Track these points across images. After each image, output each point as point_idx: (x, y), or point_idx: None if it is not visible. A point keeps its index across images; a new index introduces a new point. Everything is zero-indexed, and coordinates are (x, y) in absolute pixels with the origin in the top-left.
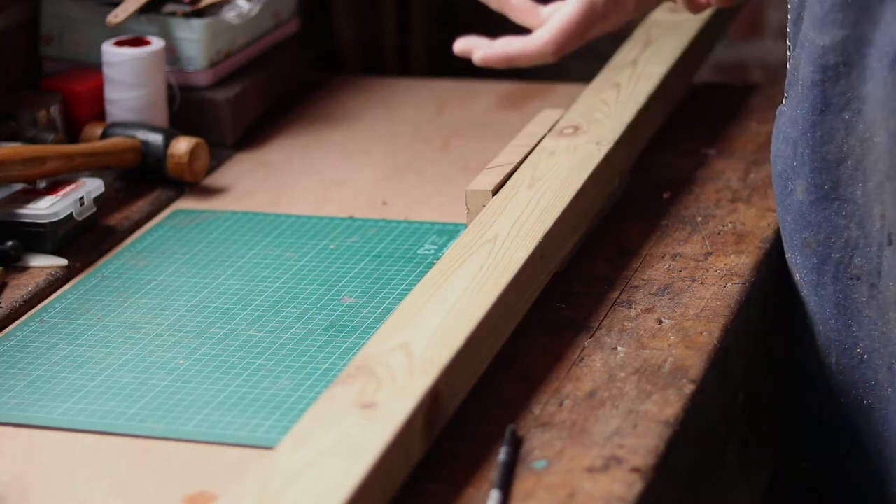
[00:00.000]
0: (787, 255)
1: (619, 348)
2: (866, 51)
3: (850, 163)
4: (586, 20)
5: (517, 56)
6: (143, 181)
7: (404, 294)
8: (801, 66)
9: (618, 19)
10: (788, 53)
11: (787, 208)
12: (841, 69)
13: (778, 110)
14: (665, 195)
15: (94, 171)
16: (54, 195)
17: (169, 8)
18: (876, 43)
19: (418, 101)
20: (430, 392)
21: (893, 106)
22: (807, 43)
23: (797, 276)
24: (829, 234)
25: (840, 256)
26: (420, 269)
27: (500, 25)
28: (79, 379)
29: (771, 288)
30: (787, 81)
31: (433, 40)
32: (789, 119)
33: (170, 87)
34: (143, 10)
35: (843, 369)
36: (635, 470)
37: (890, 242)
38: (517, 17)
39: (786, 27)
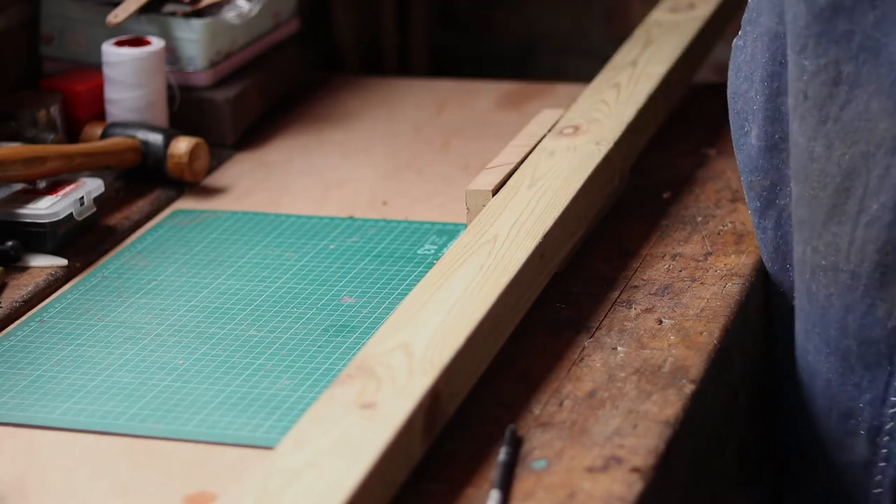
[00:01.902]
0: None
1: (619, 348)
2: None
3: None
4: None
5: None
6: (143, 181)
7: (404, 294)
8: (764, 14)
9: None
10: None
11: (741, 148)
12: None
13: (734, 44)
14: (665, 195)
15: (94, 171)
16: (54, 195)
17: (169, 8)
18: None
19: (418, 101)
20: (430, 392)
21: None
22: None
23: (750, 212)
24: (775, 180)
25: (784, 204)
26: (420, 269)
27: (499, 26)
28: (79, 379)
29: (771, 288)
30: (745, 16)
31: (433, 40)
32: (752, 59)
33: (170, 87)
34: (143, 10)
35: (780, 314)
36: (635, 470)
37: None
38: None
39: None
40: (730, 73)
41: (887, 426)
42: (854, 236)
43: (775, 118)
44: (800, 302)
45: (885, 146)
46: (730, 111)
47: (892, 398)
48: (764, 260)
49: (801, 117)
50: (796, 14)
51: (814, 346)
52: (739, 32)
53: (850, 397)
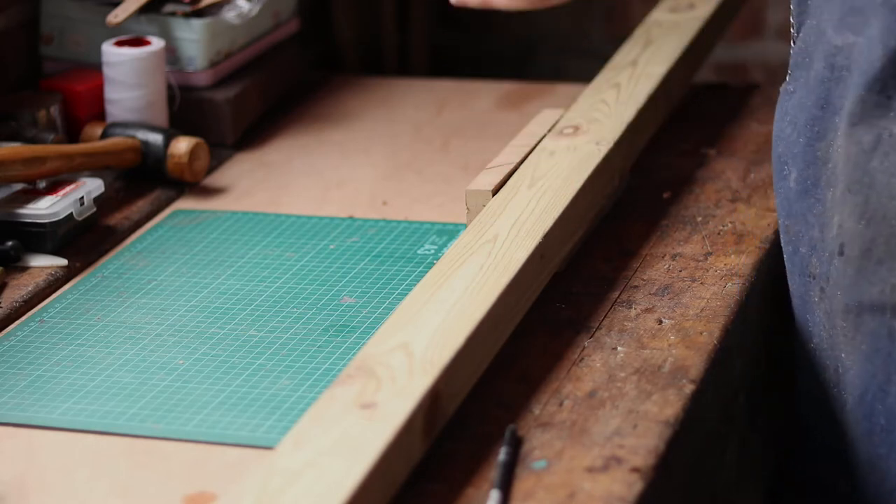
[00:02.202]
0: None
1: (619, 348)
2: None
3: (830, 165)
4: None
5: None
6: (143, 181)
7: (404, 294)
8: (815, 59)
9: None
10: (793, 32)
11: (779, 192)
12: (844, 73)
13: (782, 88)
14: (665, 195)
15: (94, 171)
16: (54, 195)
17: (169, 8)
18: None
19: (418, 101)
20: (430, 392)
21: (856, 121)
22: (823, 38)
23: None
24: (801, 228)
25: (805, 252)
26: (420, 269)
27: (499, 26)
28: (79, 379)
29: (771, 288)
30: (792, 61)
31: (433, 40)
32: (798, 105)
33: (170, 87)
34: (143, 10)
35: (804, 356)
36: (635, 470)
37: (841, 253)
38: None
39: (785, 27)
40: (776, 116)
41: None
42: None
43: (811, 163)
44: (876, 345)
45: None
46: (772, 154)
47: None
48: (795, 304)
49: (885, 154)
50: (870, 56)
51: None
52: (788, 78)
53: None
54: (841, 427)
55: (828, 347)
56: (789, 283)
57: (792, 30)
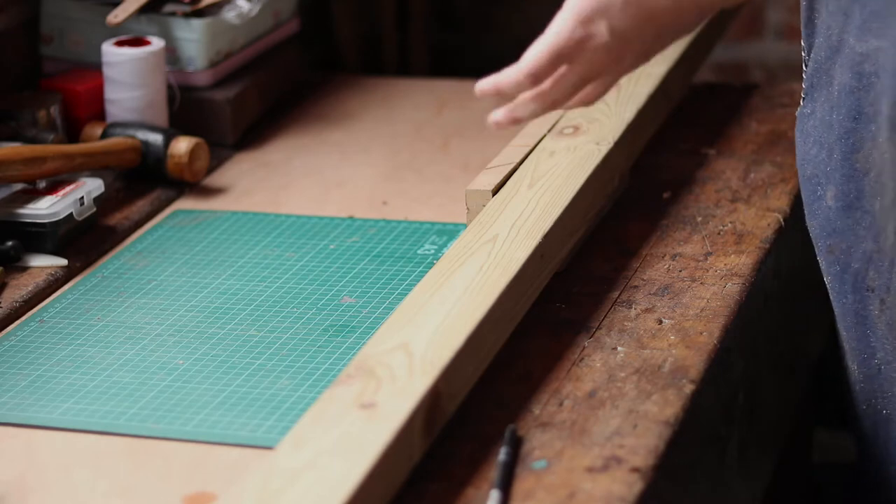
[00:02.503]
0: (818, 258)
1: (619, 348)
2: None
3: (872, 174)
4: (554, 44)
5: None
6: (143, 181)
7: (404, 294)
8: (837, 73)
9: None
10: (804, 55)
11: (815, 214)
12: (874, 79)
13: (799, 112)
14: (665, 195)
15: (94, 171)
16: (54, 195)
17: (169, 8)
18: None
19: (418, 101)
20: (430, 392)
21: None
22: (843, 49)
23: (826, 280)
24: (851, 243)
25: (858, 267)
26: (420, 269)
27: (499, 26)
28: (79, 379)
29: (771, 288)
30: (807, 83)
31: (433, 40)
32: (822, 123)
33: (170, 87)
34: (143, 10)
35: (863, 377)
36: (635, 470)
37: None
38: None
39: (785, 27)
40: (797, 141)
41: None
42: None
43: (851, 176)
44: None
45: None
46: (800, 178)
47: None
48: (842, 327)
49: None
50: None
51: None
52: (803, 102)
53: None
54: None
55: (893, 359)
56: (837, 305)
57: (803, 53)
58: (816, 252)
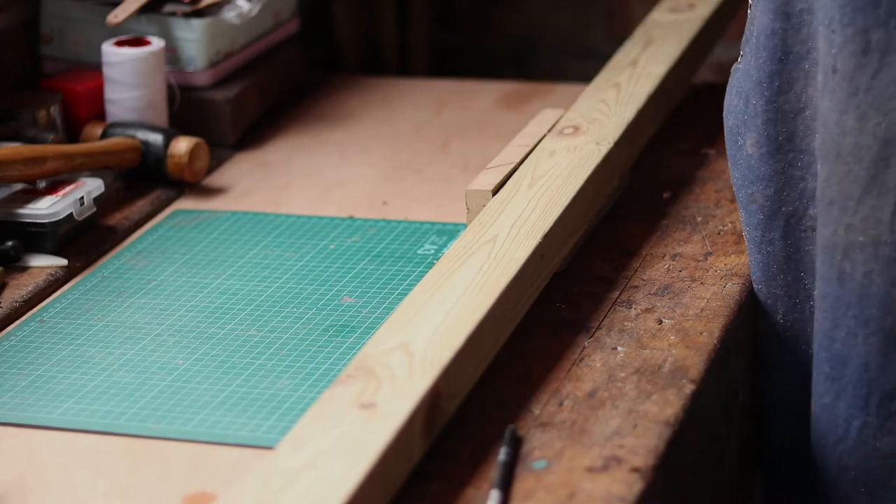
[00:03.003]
0: (740, 211)
1: (619, 348)
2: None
3: (807, 113)
4: None
5: None
6: (143, 181)
7: (404, 294)
8: (758, 17)
9: None
10: (749, 11)
11: (737, 164)
12: (805, 17)
13: (733, 68)
14: (665, 195)
15: (94, 171)
16: (54, 195)
17: (169, 8)
18: None
19: (418, 101)
20: (430, 392)
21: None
22: None
23: (746, 233)
24: (780, 186)
25: (793, 209)
26: (420, 269)
27: (499, 26)
28: (79, 379)
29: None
30: (743, 39)
31: (433, 40)
32: (743, 73)
33: (170, 87)
34: (143, 10)
35: (790, 325)
36: (635, 470)
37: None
38: None
39: None
40: (726, 95)
41: None
42: None
43: (777, 119)
44: (825, 289)
45: None
46: (725, 133)
47: None
48: (762, 279)
49: (832, 92)
50: None
51: (846, 331)
52: (738, 59)
53: (894, 377)
54: (798, 379)
55: (832, 291)
56: (759, 255)
57: (749, 9)
58: (738, 206)
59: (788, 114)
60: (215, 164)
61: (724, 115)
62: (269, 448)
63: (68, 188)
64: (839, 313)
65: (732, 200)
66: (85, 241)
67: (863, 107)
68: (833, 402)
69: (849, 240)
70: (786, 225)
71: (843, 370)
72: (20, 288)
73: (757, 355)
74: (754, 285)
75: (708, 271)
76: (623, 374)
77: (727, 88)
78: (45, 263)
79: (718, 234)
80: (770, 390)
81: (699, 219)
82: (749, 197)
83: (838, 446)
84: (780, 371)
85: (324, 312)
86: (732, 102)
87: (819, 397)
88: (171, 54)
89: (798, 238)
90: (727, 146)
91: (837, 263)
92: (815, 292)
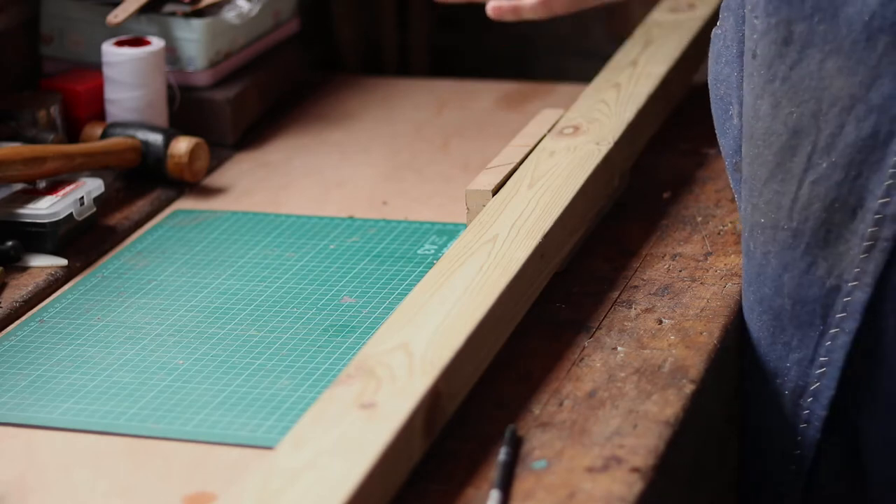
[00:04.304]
0: (729, 177)
1: (619, 348)
2: None
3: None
4: None
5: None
6: (143, 181)
7: (404, 294)
8: None
9: None
10: None
11: (725, 133)
12: None
13: (713, 33)
14: (665, 195)
15: (94, 171)
16: (54, 195)
17: (169, 8)
18: None
19: (418, 101)
20: (430, 392)
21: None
22: None
23: (736, 200)
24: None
25: None
26: (420, 269)
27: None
28: (79, 379)
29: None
30: (723, 3)
31: (433, 40)
32: (733, 42)
33: (170, 87)
34: (143, 10)
35: (763, 297)
36: (635, 470)
37: None
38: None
39: None
40: (710, 61)
41: (812, 387)
42: (798, 194)
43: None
44: (741, 262)
45: (840, 105)
46: (712, 99)
47: (821, 358)
48: (743, 240)
49: (750, 75)
50: None
51: (747, 305)
52: (718, 22)
53: (778, 357)
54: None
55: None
56: (744, 222)
57: None
58: (727, 171)
59: None
60: (215, 164)
61: (712, 83)
62: (269, 448)
63: (68, 188)
64: (745, 287)
65: (732, 200)
66: (85, 241)
67: (777, 95)
68: (743, 372)
69: (754, 219)
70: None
71: (748, 341)
72: (20, 288)
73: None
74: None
75: (708, 271)
76: (623, 374)
77: (710, 54)
78: (45, 263)
79: (718, 234)
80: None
81: (699, 219)
82: (734, 165)
83: (746, 416)
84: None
85: (324, 312)
86: (724, 72)
87: (742, 368)
88: (171, 54)
89: None
90: (715, 115)
91: (746, 240)
92: None
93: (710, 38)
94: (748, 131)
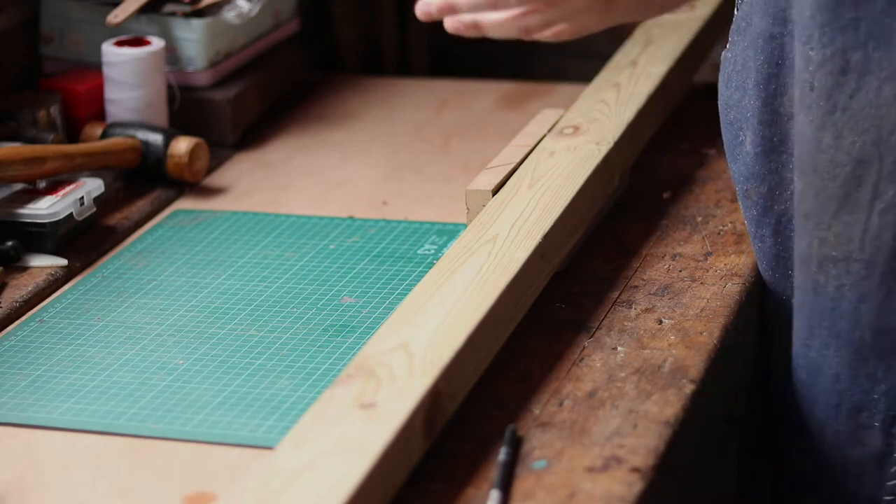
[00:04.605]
0: (739, 202)
1: (619, 348)
2: None
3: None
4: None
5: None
6: (143, 181)
7: (404, 294)
8: (756, 17)
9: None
10: (740, 4)
11: (736, 158)
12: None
13: (723, 56)
14: (665, 195)
15: (94, 171)
16: (54, 195)
17: (169, 8)
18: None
19: (418, 101)
20: (430, 392)
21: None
22: None
23: (747, 225)
24: (773, 185)
25: (783, 209)
26: (420, 269)
27: None
28: (79, 379)
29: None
30: (733, 27)
31: (433, 40)
32: (743, 69)
33: (170, 87)
34: (143, 10)
35: (777, 321)
36: (635, 470)
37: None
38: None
39: None
40: (720, 85)
41: None
42: (868, 225)
43: (772, 121)
44: (802, 298)
45: None
46: (722, 123)
47: None
48: (762, 270)
49: (808, 108)
50: (801, 5)
51: (820, 341)
52: (728, 45)
53: (862, 390)
54: (781, 386)
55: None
56: (759, 248)
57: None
58: (738, 196)
59: (783, 117)
60: (215, 164)
61: (722, 106)
62: (269, 448)
63: (68, 188)
64: (814, 323)
65: (732, 200)
66: (85, 241)
67: (839, 125)
68: (807, 409)
69: (822, 253)
70: (776, 223)
71: (817, 378)
72: (20, 288)
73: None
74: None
75: (708, 271)
76: (623, 374)
77: (721, 78)
78: (45, 263)
79: (718, 234)
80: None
81: (699, 219)
82: (745, 192)
83: (813, 454)
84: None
85: (324, 312)
86: (734, 97)
87: (795, 404)
88: (171, 54)
89: (787, 237)
90: (725, 139)
91: (812, 275)
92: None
93: (709, 38)
94: (810, 165)
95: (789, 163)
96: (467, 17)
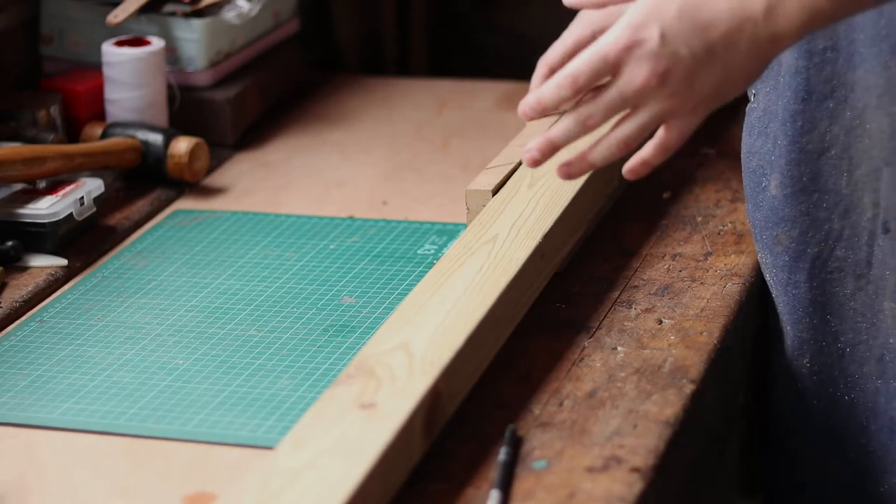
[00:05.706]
0: (759, 256)
1: (619, 348)
2: (855, 36)
3: (833, 152)
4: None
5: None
6: (143, 181)
7: (404, 294)
8: (784, 56)
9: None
10: None
11: (759, 206)
12: (828, 54)
13: (748, 108)
14: (665, 195)
15: (94, 171)
16: (54, 195)
17: (169, 8)
18: (866, 27)
19: (418, 101)
20: (430, 392)
21: (882, 91)
22: None
23: (767, 277)
24: (805, 228)
25: (818, 251)
26: (420, 269)
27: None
28: (79, 379)
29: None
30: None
31: (433, 40)
32: (766, 113)
33: (170, 87)
34: (143, 10)
35: (818, 369)
36: (635, 470)
37: (886, 230)
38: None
39: None
40: (743, 134)
41: None
42: None
43: (801, 160)
44: (869, 328)
45: None
46: (744, 171)
47: None
48: (790, 321)
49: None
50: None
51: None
52: (752, 98)
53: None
54: (823, 427)
55: (869, 337)
56: (784, 298)
57: None
58: (758, 249)
59: (812, 154)
60: (215, 164)
61: (744, 156)
62: (269, 448)
63: (68, 188)
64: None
65: (732, 200)
66: (85, 241)
67: None
68: (809, 410)
69: None
70: (811, 267)
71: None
72: (20, 288)
73: (758, 356)
74: (782, 326)
75: (708, 271)
76: (623, 374)
77: (745, 128)
78: (45, 263)
79: (718, 234)
80: (794, 438)
81: (699, 219)
82: (774, 238)
83: (813, 454)
84: (806, 421)
85: (324, 312)
86: (756, 143)
87: (794, 404)
88: (171, 54)
89: (824, 280)
90: (747, 187)
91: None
92: (842, 336)
93: None
94: None
95: (822, 202)
96: (573, 158)
